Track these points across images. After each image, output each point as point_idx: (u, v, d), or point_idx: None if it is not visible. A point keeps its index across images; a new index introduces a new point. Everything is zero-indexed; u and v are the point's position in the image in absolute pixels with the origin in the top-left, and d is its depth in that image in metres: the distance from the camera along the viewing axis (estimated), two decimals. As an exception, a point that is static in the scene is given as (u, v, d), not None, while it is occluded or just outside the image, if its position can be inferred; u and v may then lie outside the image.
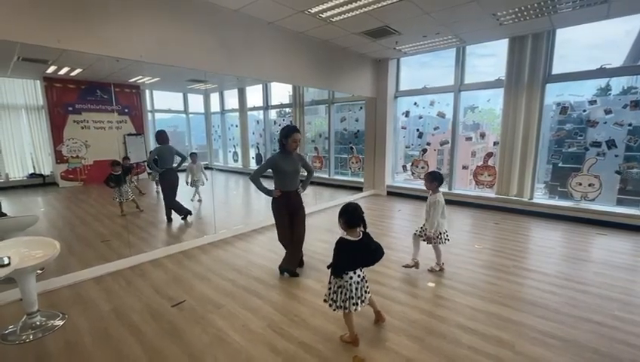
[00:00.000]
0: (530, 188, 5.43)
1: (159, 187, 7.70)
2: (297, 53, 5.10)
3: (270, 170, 3.09)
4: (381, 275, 3.18)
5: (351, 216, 1.99)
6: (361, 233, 2.04)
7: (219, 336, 2.26)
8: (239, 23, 4.16)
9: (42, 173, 8.91)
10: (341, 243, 1.99)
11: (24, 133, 8.63)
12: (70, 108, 8.61)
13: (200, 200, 6.45)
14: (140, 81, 9.02)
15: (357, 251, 1.98)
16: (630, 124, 4.63)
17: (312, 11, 4.03)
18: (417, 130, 6.91)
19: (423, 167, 6.87)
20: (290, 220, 3.17)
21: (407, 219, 5.45)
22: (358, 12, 4.06)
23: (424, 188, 6.97)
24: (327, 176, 8.67)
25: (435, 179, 3.00)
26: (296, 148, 3.05)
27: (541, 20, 4.47)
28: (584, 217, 4.91)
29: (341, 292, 2.01)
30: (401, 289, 2.92)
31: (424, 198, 6.73)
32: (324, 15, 4.16)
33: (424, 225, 3.19)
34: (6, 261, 1.77)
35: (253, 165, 10.52)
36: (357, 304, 2.02)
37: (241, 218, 5.68)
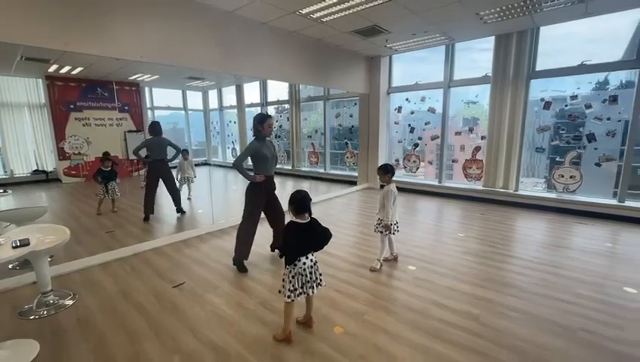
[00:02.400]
0: (516, 180, 5.66)
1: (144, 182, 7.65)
2: (291, 51, 5.30)
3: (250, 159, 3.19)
4: (366, 260, 3.41)
5: (299, 203, 2.10)
6: (309, 218, 2.14)
7: (215, 312, 2.50)
8: (234, 24, 4.36)
9: (45, 169, 9.17)
10: (290, 226, 2.11)
11: (27, 131, 8.88)
12: (72, 106, 8.82)
13: (189, 198, 6.34)
14: (139, 78, 9.21)
15: (305, 233, 2.09)
16: (609, 118, 4.84)
17: (303, 12, 4.23)
18: (409, 125, 7.11)
19: (414, 161, 7.09)
20: (266, 207, 3.32)
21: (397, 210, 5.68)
22: (347, 12, 4.26)
23: (417, 181, 7.19)
24: (323, 170, 8.90)
25: (387, 172, 3.19)
26: (270, 133, 3.21)
27: (523, 19, 4.66)
28: (565, 208, 5.14)
29: (298, 280, 2.09)
30: (384, 273, 3.16)
31: (416, 191, 6.98)
32: (314, 16, 4.36)
33: (379, 218, 3.27)
34: (26, 241, 2.00)
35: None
36: (313, 287, 2.13)
37: (237, 210, 5.89)
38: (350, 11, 4.21)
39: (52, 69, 7.61)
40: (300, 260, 2.08)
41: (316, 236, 2.13)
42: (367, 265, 3.28)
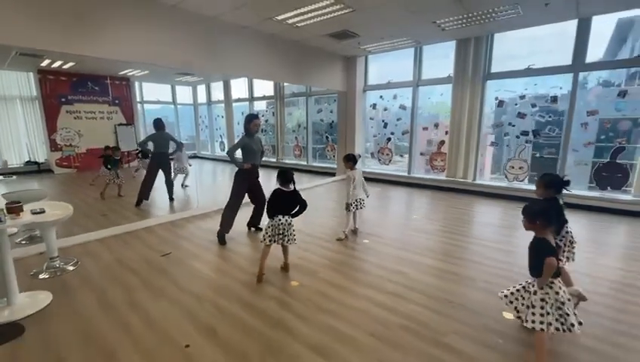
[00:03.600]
0: (474, 171, 6.30)
1: (137, 172, 8.25)
2: (273, 52, 5.79)
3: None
4: (330, 235, 3.99)
5: (283, 177, 2.88)
6: (293, 188, 2.91)
7: (196, 274, 3.04)
8: (218, 27, 4.84)
9: (37, 160, 9.49)
10: (275, 191, 2.90)
11: (19, 123, 9.16)
12: (63, 99, 9.15)
13: (187, 185, 6.98)
14: (129, 73, 9.55)
15: (284, 198, 2.88)
16: (550, 116, 5.49)
17: (279, 18, 4.73)
18: (383, 120, 7.69)
19: (387, 154, 7.69)
20: (249, 190, 3.95)
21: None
22: (317, 19, 4.77)
23: (389, 172, 7.78)
24: (305, 163, 9.44)
25: (349, 160, 3.86)
26: (257, 131, 3.85)
27: (476, 27, 5.24)
28: (514, 195, 5.80)
29: (272, 230, 2.85)
30: (341, 245, 3.74)
31: (388, 181, 7.55)
32: (289, 22, 4.86)
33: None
34: (42, 210, 2.50)
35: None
36: (282, 239, 2.87)
37: (220, 197, 6.41)
38: (320, 18, 4.73)
39: (44, 63, 7.91)
40: (277, 216, 2.83)
41: (290, 203, 2.89)
42: (330, 240, 3.86)
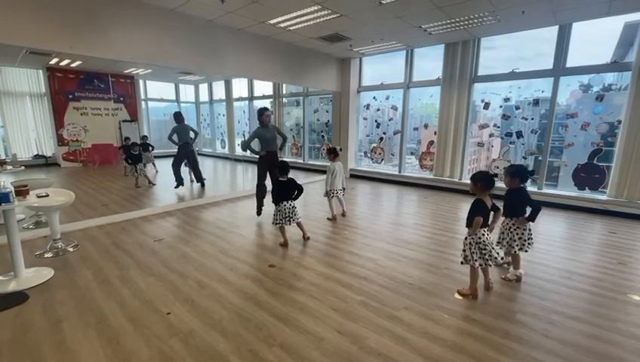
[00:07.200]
0: (460, 170, 6.52)
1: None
2: (268, 53, 6.07)
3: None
4: (312, 226, 4.26)
5: (281, 168, 3.53)
6: (287, 178, 3.57)
7: (184, 257, 3.33)
8: (214, 30, 5.14)
9: (45, 154, 9.90)
10: (276, 181, 3.57)
11: (29, 118, 9.58)
12: (70, 96, 9.55)
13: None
14: (134, 72, 9.91)
15: (282, 186, 3.52)
16: (533, 118, 5.70)
17: (271, 22, 5.01)
18: (376, 120, 7.94)
19: (379, 154, 7.93)
20: (270, 172, 4.45)
21: (357, 194, 6.52)
22: (308, 24, 5.04)
23: (381, 171, 8.01)
24: (302, 161, 9.72)
25: (330, 153, 4.21)
26: (269, 121, 4.39)
27: (462, 31, 5.47)
28: (499, 194, 5.99)
29: (279, 214, 3.49)
30: (321, 234, 4.01)
31: (380, 180, 7.78)
32: (282, 25, 5.14)
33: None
34: (46, 194, 2.81)
35: (239, 151, 11.50)
36: (289, 221, 3.51)
37: (217, 191, 6.73)
38: (310, 22, 4.99)
39: (53, 61, 8.30)
40: (282, 203, 3.48)
41: (289, 189, 3.53)
42: (311, 231, 4.11)
